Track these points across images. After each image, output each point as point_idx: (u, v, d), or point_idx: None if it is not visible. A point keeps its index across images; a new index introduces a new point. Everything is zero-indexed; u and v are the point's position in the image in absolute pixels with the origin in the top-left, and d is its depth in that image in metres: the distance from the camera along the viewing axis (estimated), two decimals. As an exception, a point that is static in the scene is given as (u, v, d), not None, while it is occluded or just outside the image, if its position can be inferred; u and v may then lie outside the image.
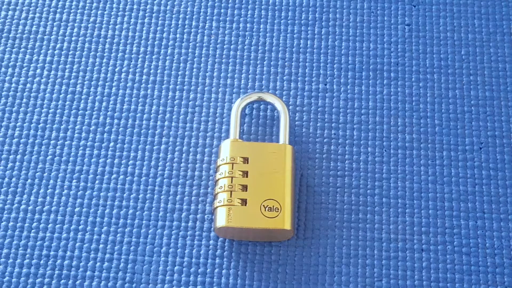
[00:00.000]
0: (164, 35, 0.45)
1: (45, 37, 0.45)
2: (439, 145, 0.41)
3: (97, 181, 0.40)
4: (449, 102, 0.43)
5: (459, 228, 0.39)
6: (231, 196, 0.37)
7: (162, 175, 0.40)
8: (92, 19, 0.46)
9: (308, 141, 0.41)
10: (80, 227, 0.39)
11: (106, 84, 0.43)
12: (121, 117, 0.42)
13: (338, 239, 0.39)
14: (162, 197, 0.40)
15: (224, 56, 0.44)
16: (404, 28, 0.45)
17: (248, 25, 0.45)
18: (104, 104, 0.43)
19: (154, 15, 0.46)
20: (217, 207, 0.37)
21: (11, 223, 0.39)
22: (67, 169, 0.41)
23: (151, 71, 0.44)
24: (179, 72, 0.44)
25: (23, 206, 0.39)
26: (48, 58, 0.44)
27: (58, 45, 0.45)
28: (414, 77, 0.43)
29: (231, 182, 0.37)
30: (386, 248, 0.38)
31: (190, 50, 0.44)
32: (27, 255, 0.38)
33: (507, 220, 0.39)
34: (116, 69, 0.44)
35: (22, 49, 0.44)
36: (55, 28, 0.45)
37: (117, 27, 0.45)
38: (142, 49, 0.44)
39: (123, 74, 0.44)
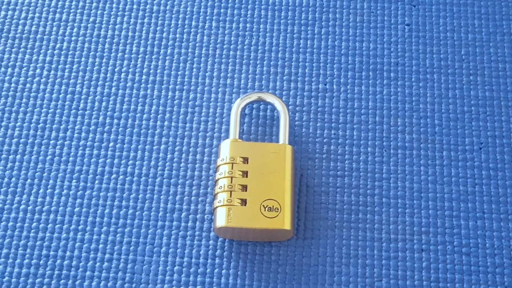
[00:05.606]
0: (164, 35, 0.45)
1: (45, 37, 0.45)
2: (439, 145, 0.41)
3: (97, 181, 0.40)
4: (449, 102, 0.43)
5: (459, 228, 0.39)
6: (230, 196, 0.37)
7: (162, 175, 0.40)
8: (92, 19, 0.46)
9: (308, 141, 0.41)
10: (80, 227, 0.39)
11: (106, 84, 0.43)
12: (121, 117, 0.42)
13: (338, 239, 0.39)
14: (162, 197, 0.40)
15: (224, 56, 0.44)
16: (404, 28, 0.45)
17: (248, 25, 0.45)
18: (104, 104, 0.43)
19: (154, 15, 0.46)
20: (217, 207, 0.37)
21: (11, 223, 0.39)
22: (67, 169, 0.41)
23: (151, 71, 0.44)
24: (179, 72, 0.44)
25: (23, 206, 0.39)
26: (48, 58, 0.44)
27: (58, 45, 0.45)
28: (414, 77, 0.43)
29: (231, 182, 0.37)
30: (386, 248, 0.38)
31: (190, 50, 0.44)
32: (27, 255, 0.38)
33: (507, 220, 0.39)
34: (116, 69, 0.44)
35: (22, 49, 0.44)
36: (55, 28, 0.45)
37: (117, 27, 0.45)
38: (142, 49, 0.44)
39: (123, 74, 0.44)
